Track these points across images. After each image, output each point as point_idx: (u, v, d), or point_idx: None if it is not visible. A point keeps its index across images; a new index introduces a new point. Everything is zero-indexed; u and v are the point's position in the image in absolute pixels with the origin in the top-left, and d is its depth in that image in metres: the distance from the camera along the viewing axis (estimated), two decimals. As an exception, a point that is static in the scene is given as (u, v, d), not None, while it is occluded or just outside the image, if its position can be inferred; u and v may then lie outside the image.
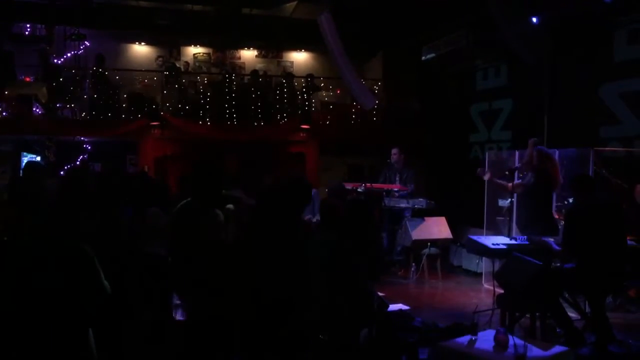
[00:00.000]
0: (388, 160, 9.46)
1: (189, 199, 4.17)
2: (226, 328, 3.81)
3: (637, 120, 8.03)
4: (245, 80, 12.79)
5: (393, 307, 6.32)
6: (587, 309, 5.54)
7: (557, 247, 5.54)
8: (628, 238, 6.12)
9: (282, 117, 12.13)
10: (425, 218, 8.91)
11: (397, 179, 9.33)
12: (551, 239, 5.77)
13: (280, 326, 3.72)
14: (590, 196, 5.36)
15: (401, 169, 9.37)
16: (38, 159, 11.02)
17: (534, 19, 8.54)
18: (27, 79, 11.73)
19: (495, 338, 3.90)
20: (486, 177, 7.38)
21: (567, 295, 5.45)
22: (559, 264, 5.82)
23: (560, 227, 6.26)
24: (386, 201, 9.00)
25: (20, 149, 11.29)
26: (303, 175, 6.17)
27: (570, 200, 6.51)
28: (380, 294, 6.27)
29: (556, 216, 6.87)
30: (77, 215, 3.42)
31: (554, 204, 7.01)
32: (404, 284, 8.50)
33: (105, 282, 2.98)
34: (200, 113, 11.75)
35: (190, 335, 3.87)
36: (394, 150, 9.38)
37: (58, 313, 2.78)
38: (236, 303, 3.76)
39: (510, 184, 6.68)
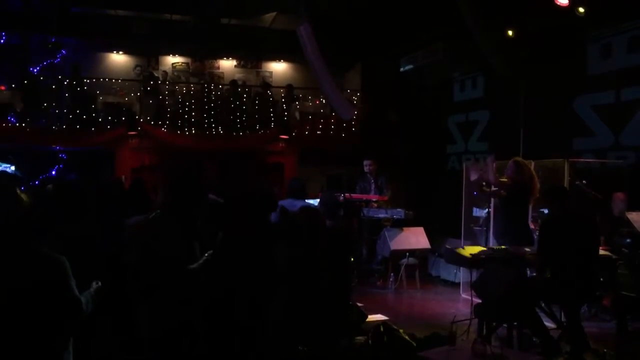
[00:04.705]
0: (365, 172, 9.46)
1: (158, 211, 4.07)
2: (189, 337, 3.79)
3: (609, 133, 8.19)
4: (224, 90, 12.77)
5: (372, 317, 6.35)
6: (563, 319, 5.59)
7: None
8: (603, 248, 6.22)
9: (261, 128, 12.12)
10: (404, 228, 8.93)
11: (373, 187, 9.36)
12: (527, 249, 5.85)
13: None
14: (564, 207, 5.43)
15: (376, 178, 9.40)
16: (12, 168, 10.83)
17: (509, 32, 8.67)
18: (2, 88, 11.56)
19: (473, 348, 3.92)
20: (472, 178, 7.57)
21: (543, 304, 5.50)
22: (535, 274, 5.87)
23: (535, 237, 6.34)
24: (365, 211, 9.02)
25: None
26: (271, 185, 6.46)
27: (545, 210, 6.58)
28: (359, 304, 6.31)
29: (532, 226, 6.94)
30: (52, 225, 3.36)
31: (530, 214, 7.09)
32: (383, 294, 8.50)
33: (77, 294, 2.91)
34: (178, 123, 11.69)
35: (154, 346, 3.82)
36: (367, 162, 9.37)
37: (27, 322, 2.74)
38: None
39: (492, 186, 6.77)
